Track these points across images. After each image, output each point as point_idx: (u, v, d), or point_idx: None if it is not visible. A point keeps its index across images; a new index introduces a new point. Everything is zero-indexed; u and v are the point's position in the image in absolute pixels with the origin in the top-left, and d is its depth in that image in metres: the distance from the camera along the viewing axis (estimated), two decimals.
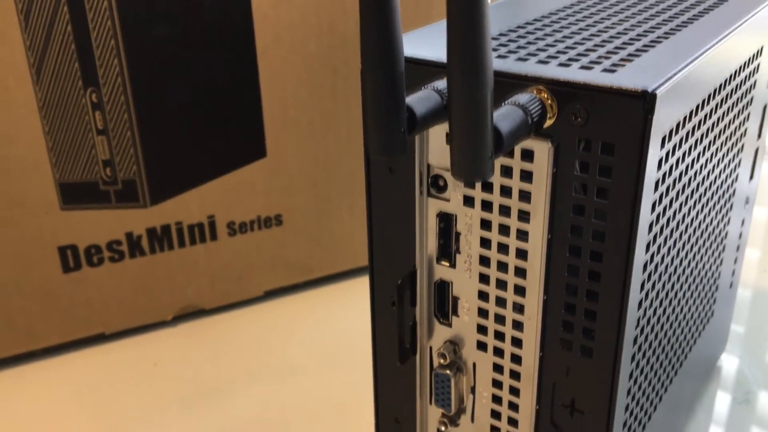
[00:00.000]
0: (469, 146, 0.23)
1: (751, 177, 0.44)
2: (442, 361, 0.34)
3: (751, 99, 0.38)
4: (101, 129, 0.48)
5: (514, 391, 0.33)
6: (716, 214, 0.38)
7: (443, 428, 0.36)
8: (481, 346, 0.33)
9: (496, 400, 0.34)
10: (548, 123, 0.27)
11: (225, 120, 0.52)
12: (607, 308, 0.29)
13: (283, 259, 0.58)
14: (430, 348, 0.35)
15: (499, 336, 0.32)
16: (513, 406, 0.33)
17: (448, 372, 0.34)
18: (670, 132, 0.27)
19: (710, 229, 0.38)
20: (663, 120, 0.26)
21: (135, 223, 0.52)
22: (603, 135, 0.26)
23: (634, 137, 0.25)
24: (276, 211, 0.56)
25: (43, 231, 0.49)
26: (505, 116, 0.25)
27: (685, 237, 0.34)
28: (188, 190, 0.53)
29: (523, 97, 0.26)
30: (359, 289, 0.62)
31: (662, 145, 0.27)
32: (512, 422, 0.34)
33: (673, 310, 0.35)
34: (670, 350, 0.37)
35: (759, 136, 0.42)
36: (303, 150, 0.55)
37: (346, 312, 0.57)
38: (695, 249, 0.36)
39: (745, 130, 0.39)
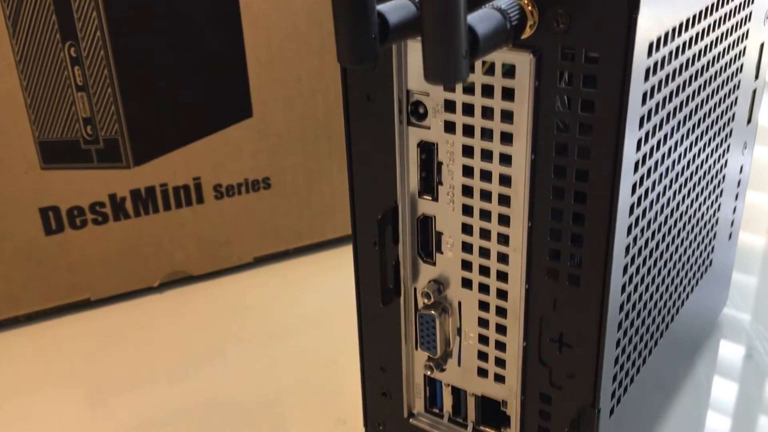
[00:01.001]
0: (441, 45, 0.22)
1: (749, 120, 0.42)
2: (426, 301, 0.33)
3: (746, 32, 0.37)
4: (80, 85, 0.47)
5: (501, 329, 0.32)
6: (711, 151, 0.37)
7: (429, 373, 0.35)
8: (466, 283, 0.32)
9: (483, 340, 0.33)
10: (529, 33, 0.26)
11: (209, 78, 0.51)
12: (594, 231, 0.27)
13: (273, 224, 0.57)
14: (414, 290, 0.34)
15: (484, 271, 0.31)
16: (500, 346, 0.32)
17: (432, 312, 0.33)
18: (658, 41, 0.26)
19: (705, 167, 0.36)
20: (648, 25, 0.25)
21: (118, 184, 0.51)
22: (587, 41, 0.25)
23: (619, 40, 0.24)
24: (264, 174, 0.55)
25: (24, 191, 0.48)
26: (481, 18, 0.24)
27: (678, 168, 0.32)
28: (172, 150, 0.51)
29: (502, 2, 0.25)
30: (349, 258, 0.60)
31: (649, 53, 0.26)
32: (499, 363, 0.32)
33: (667, 247, 0.34)
34: (665, 291, 0.35)
35: (756, 76, 0.41)
36: (290, 109, 0.54)
37: (338, 279, 0.55)
38: (688, 184, 0.35)
39: (742, 65, 0.37)
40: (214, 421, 0.42)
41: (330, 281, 0.56)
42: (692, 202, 0.36)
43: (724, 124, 0.38)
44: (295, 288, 0.56)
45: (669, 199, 0.32)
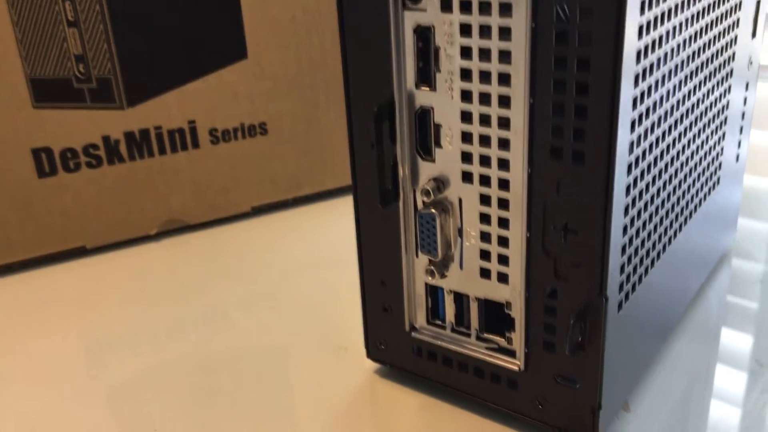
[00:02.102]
0: None
1: (753, 34, 0.41)
2: (425, 199, 0.32)
3: None
4: (72, 20, 0.46)
5: (503, 223, 0.31)
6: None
7: (431, 279, 0.34)
8: (467, 177, 0.31)
9: (485, 237, 0.32)
10: None
11: (202, 16, 0.50)
12: (599, 101, 0.26)
13: (270, 173, 0.56)
14: (414, 192, 0.33)
15: (485, 161, 0.30)
16: (503, 241, 0.31)
17: (433, 211, 0.32)
18: None
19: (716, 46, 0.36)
20: None
21: (112, 126, 0.50)
22: None
23: None
24: (260, 119, 0.54)
25: (16, 131, 0.47)
26: None
27: (687, 51, 0.32)
28: (166, 91, 0.51)
29: None
30: (349, 209, 0.59)
31: None
32: (503, 260, 0.31)
33: (674, 142, 0.33)
34: (672, 192, 0.34)
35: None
36: (285, 51, 0.53)
37: (340, 229, 0.55)
38: (699, 73, 0.34)
39: None
40: (215, 366, 0.41)
41: (331, 231, 0.55)
42: (703, 90, 0.35)
43: (727, 51, 0.37)
44: (295, 237, 0.55)
45: (678, 85, 0.32)
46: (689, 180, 0.36)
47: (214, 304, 0.46)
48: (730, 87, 0.39)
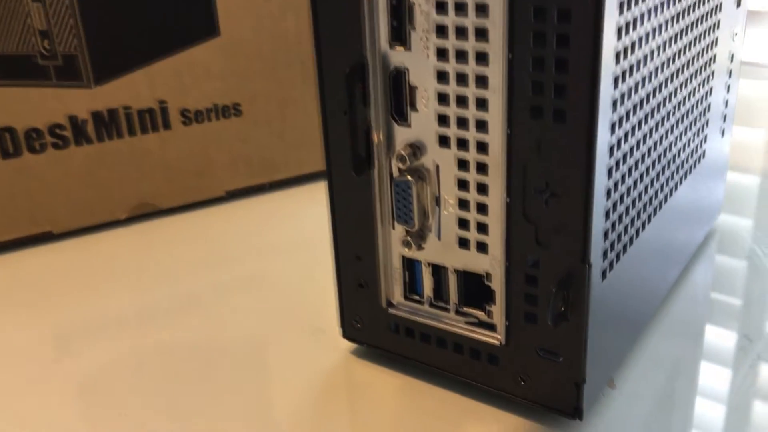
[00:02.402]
0: None
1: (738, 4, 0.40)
2: (401, 165, 0.31)
3: None
4: None
5: (482, 189, 0.29)
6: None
7: (407, 250, 0.32)
8: (443, 141, 0.30)
9: (463, 205, 0.30)
10: None
11: None
12: (580, 53, 0.25)
13: (245, 155, 0.54)
14: (389, 160, 0.31)
15: (462, 123, 0.29)
16: (481, 208, 0.30)
17: (408, 178, 0.30)
18: None
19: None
20: None
21: (78, 105, 0.48)
22: None
23: None
24: (234, 99, 0.53)
25: None
26: None
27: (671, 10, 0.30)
28: (135, 69, 0.49)
29: None
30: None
31: None
32: (481, 228, 0.30)
33: (664, 101, 0.32)
34: (657, 157, 0.33)
35: None
36: (259, 29, 0.52)
37: (317, 215, 0.53)
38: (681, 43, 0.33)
39: None
40: (187, 352, 0.39)
41: (308, 215, 0.53)
42: (693, 51, 0.34)
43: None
44: (271, 222, 0.53)
45: (668, 41, 0.30)
46: (676, 139, 0.35)
47: (187, 290, 0.45)
48: (717, 39, 0.38)
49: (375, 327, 0.35)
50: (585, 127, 0.26)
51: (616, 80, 0.27)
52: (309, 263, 0.46)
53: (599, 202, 0.28)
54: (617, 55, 0.26)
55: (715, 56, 0.39)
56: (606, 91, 0.26)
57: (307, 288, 0.44)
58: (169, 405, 0.35)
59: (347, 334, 0.36)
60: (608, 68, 0.26)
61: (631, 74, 0.28)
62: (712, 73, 0.39)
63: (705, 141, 0.40)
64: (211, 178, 0.54)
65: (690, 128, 0.37)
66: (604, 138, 0.27)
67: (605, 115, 0.26)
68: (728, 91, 0.42)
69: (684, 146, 0.37)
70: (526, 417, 0.32)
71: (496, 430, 0.32)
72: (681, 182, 0.37)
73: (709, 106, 0.40)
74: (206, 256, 0.48)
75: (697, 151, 0.39)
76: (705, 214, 0.44)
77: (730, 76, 0.42)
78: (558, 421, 0.32)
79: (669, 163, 0.35)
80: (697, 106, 0.37)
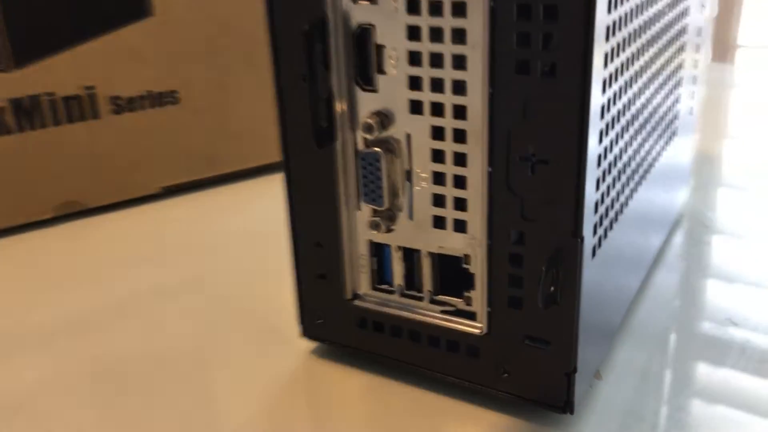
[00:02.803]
0: None
1: None
2: (368, 136, 0.27)
3: None
4: None
5: (460, 160, 0.26)
6: None
7: (376, 232, 0.29)
8: (416, 107, 0.27)
9: (438, 179, 0.27)
10: None
11: None
12: None
13: (182, 148, 0.50)
14: (353, 130, 0.28)
15: (437, 86, 0.26)
16: (459, 182, 0.27)
17: (376, 150, 0.27)
18: None
19: None
20: None
21: None
22: None
23: None
24: (169, 86, 0.48)
25: None
26: None
27: None
28: (59, 52, 0.44)
29: None
30: (275, 188, 0.54)
31: None
32: (459, 204, 0.27)
33: (652, 58, 0.29)
34: (645, 118, 0.31)
35: None
36: (196, 9, 0.48)
37: (261, 210, 0.49)
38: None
39: None
40: (125, 366, 0.35)
41: (253, 212, 0.49)
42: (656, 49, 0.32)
43: None
44: (212, 219, 0.49)
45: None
46: (663, 98, 0.33)
47: (121, 295, 0.40)
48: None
49: (339, 322, 0.32)
50: (578, 82, 0.23)
51: (608, 30, 0.24)
52: (256, 261, 0.43)
53: (591, 169, 0.25)
54: (609, 3, 0.24)
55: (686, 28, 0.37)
56: (599, 42, 0.23)
57: (256, 286, 0.40)
58: (102, 427, 0.30)
59: (308, 332, 0.33)
60: (601, 16, 0.23)
61: (621, 27, 0.26)
62: (676, 113, 0.37)
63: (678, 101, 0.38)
64: (146, 173, 0.49)
65: (671, 90, 0.35)
66: (596, 96, 0.24)
67: (597, 70, 0.24)
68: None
69: (670, 106, 0.35)
70: (510, 414, 0.29)
71: (477, 430, 0.29)
72: (665, 146, 0.35)
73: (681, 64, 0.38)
74: (141, 258, 0.44)
75: (675, 109, 0.37)
76: (681, 179, 0.42)
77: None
78: (545, 416, 0.29)
79: (656, 124, 0.33)
80: (672, 69, 0.36)
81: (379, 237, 0.29)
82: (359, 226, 0.30)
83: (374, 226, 0.29)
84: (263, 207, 0.50)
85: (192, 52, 0.48)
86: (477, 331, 0.28)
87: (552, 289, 0.26)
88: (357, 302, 0.31)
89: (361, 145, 0.28)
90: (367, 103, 0.27)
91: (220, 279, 0.41)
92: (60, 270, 0.43)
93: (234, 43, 0.50)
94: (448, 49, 0.25)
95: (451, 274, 0.29)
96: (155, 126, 0.49)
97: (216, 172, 0.52)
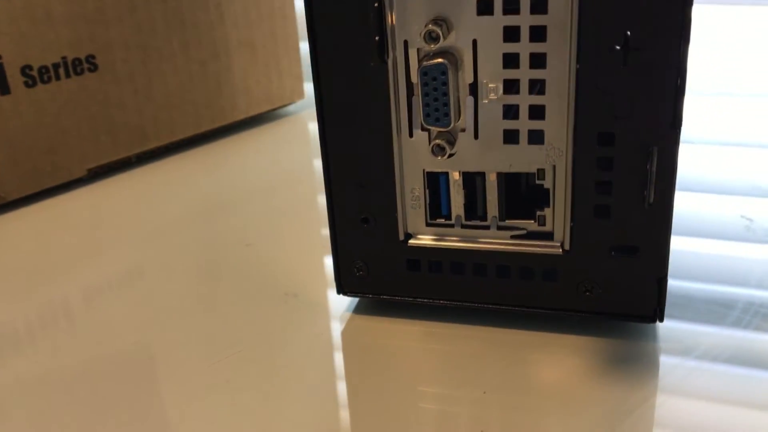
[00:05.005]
0: None
1: None
2: (431, 46, 0.24)
3: None
4: None
5: (538, 61, 0.24)
6: None
7: (441, 158, 0.26)
8: (484, 6, 0.24)
9: (510, 88, 0.25)
10: None
11: None
12: None
13: (107, 122, 0.44)
14: (405, 43, 0.25)
15: None
16: (537, 87, 0.24)
17: (441, 60, 0.24)
18: None
19: None
20: None
21: None
22: None
23: None
24: (87, 51, 0.42)
25: None
26: None
27: None
28: None
29: None
30: (213, 157, 0.49)
31: None
32: (536, 113, 0.25)
33: None
34: None
35: None
36: None
37: (204, 185, 0.44)
38: None
39: None
40: (66, 383, 0.29)
41: (194, 187, 0.44)
42: None
43: None
44: (150, 200, 0.43)
45: None
46: None
47: (47, 300, 0.33)
48: None
49: (386, 270, 0.28)
50: None
51: None
52: (204, 244, 0.37)
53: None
54: None
55: None
56: None
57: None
58: None
59: (346, 288, 0.29)
60: None
61: None
62: None
63: None
64: (68, 155, 0.43)
65: None
66: None
67: None
68: None
69: None
70: (591, 334, 0.28)
71: (564, 355, 0.27)
72: None
73: None
74: (70, 254, 0.37)
75: None
76: None
77: None
78: (630, 329, 0.28)
79: None
80: None
81: (440, 164, 0.26)
82: (411, 155, 0.26)
83: (438, 150, 0.26)
84: (203, 182, 0.45)
85: (109, 9, 0.42)
86: (557, 250, 0.26)
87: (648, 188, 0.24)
88: (411, 242, 0.28)
89: (413, 60, 0.25)
90: (422, 10, 0.24)
91: (170, 267, 0.35)
92: None
93: None
94: None
95: (515, 197, 0.27)
96: (74, 98, 0.42)
97: (144, 148, 0.46)
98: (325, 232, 0.29)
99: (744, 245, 0.34)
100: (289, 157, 0.48)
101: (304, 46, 0.26)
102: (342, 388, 0.27)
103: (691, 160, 0.42)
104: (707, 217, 0.36)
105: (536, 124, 0.25)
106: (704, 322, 0.28)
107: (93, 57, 0.42)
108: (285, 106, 0.53)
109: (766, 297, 0.29)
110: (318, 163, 0.28)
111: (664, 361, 0.26)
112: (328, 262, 0.30)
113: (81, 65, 0.42)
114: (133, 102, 0.45)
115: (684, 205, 0.33)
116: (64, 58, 0.41)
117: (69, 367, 0.28)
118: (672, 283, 0.27)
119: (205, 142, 0.49)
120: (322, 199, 0.27)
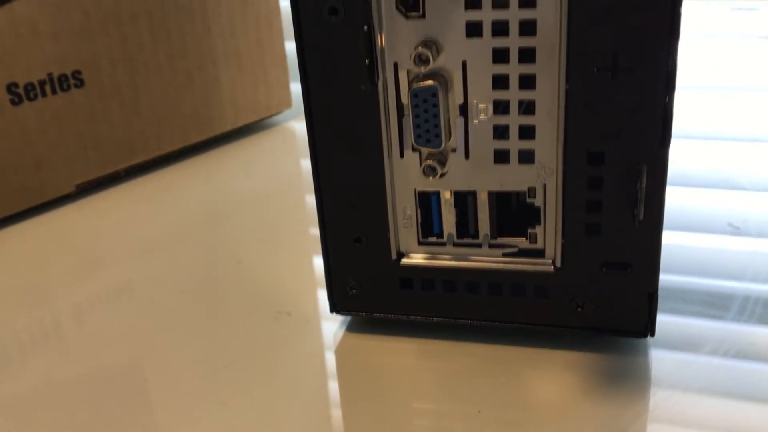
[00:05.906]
0: None
1: None
2: (421, 69, 0.24)
3: None
4: None
5: (527, 82, 0.24)
6: None
7: (431, 178, 0.26)
8: (473, 29, 0.24)
9: (500, 108, 0.25)
10: None
11: None
12: None
13: (94, 137, 0.44)
14: (395, 66, 0.25)
15: (499, 1, 0.23)
16: (527, 108, 0.25)
17: (431, 82, 0.24)
18: None
19: None
20: None
21: None
22: None
23: None
24: (73, 66, 0.42)
25: None
26: None
27: None
28: None
29: None
30: (202, 169, 0.49)
31: None
32: (526, 133, 0.25)
33: None
34: None
35: None
36: None
37: (192, 199, 0.44)
38: None
39: None
40: (58, 400, 0.29)
41: (183, 202, 0.44)
42: None
43: None
44: (140, 215, 0.43)
45: None
46: None
47: (38, 318, 0.33)
48: None
49: (378, 289, 0.28)
50: None
51: None
52: (195, 259, 0.37)
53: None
54: None
55: None
56: None
57: (207, 288, 0.35)
58: None
59: (339, 306, 0.29)
60: None
61: None
62: None
63: None
64: (55, 171, 0.42)
65: None
66: None
67: None
68: None
69: None
70: (581, 350, 0.28)
71: (558, 371, 0.27)
72: None
73: None
74: (60, 271, 0.37)
75: None
76: None
77: None
78: (621, 344, 0.28)
79: None
80: None
81: (431, 184, 0.26)
82: (402, 175, 0.26)
83: (429, 171, 0.26)
84: (196, 195, 0.45)
85: (94, 23, 0.42)
86: (548, 267, 0.27)
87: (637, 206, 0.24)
88: (404, 260, 0.28)
89: (404, 83, 0.25)
90: (413, 33, 0.24)
91: (162, 282, 0.35)
92: None
93: (138, 10, 0.43)
94: None
95: (506, 215, 0.27)
96: (60, 114, 0.42)
97: (132, 161, 0.46)
98: (318, 247, 0.29)
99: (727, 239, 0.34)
100: (279, 166, 0.48)
101: (291, 47, 0.26)
102: (336, 406, 0.27)
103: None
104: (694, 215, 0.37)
105: (526, 144, 0.25)
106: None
107: (79, 72, 0.42)
108: (273, 115, 0.53)
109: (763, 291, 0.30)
110: (308, 172, 0.28)
111: (656, 374, 0.27)
112: (321, 278, 0.30)
113: (67, 81, 0.42)
114: (121, 116, 0.44)
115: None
116: (50, 74, 0.41)
117: (60, 385, 0.28)
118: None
119: (193, 154, 0.49)
120: (313, 212, 0.27)
